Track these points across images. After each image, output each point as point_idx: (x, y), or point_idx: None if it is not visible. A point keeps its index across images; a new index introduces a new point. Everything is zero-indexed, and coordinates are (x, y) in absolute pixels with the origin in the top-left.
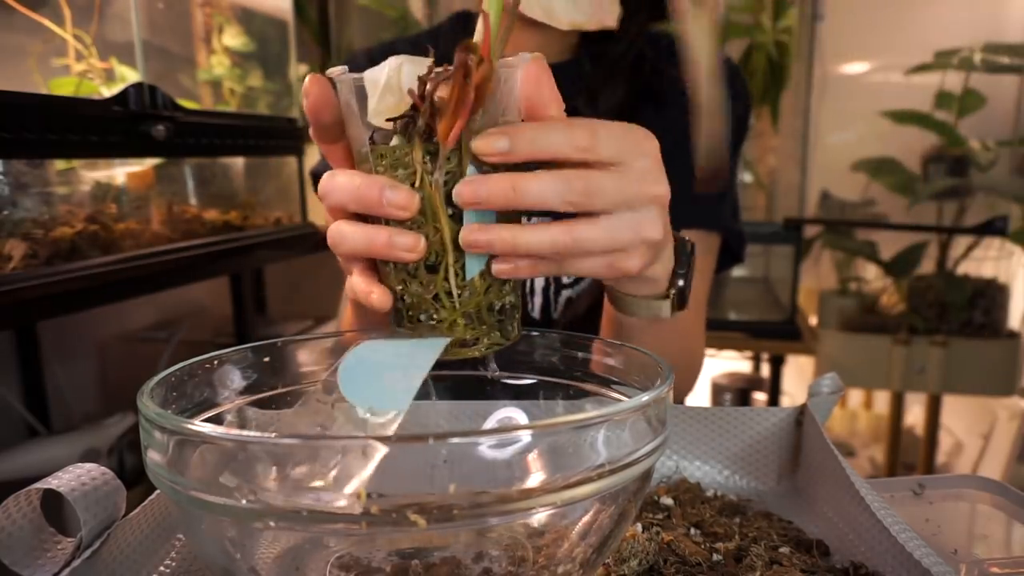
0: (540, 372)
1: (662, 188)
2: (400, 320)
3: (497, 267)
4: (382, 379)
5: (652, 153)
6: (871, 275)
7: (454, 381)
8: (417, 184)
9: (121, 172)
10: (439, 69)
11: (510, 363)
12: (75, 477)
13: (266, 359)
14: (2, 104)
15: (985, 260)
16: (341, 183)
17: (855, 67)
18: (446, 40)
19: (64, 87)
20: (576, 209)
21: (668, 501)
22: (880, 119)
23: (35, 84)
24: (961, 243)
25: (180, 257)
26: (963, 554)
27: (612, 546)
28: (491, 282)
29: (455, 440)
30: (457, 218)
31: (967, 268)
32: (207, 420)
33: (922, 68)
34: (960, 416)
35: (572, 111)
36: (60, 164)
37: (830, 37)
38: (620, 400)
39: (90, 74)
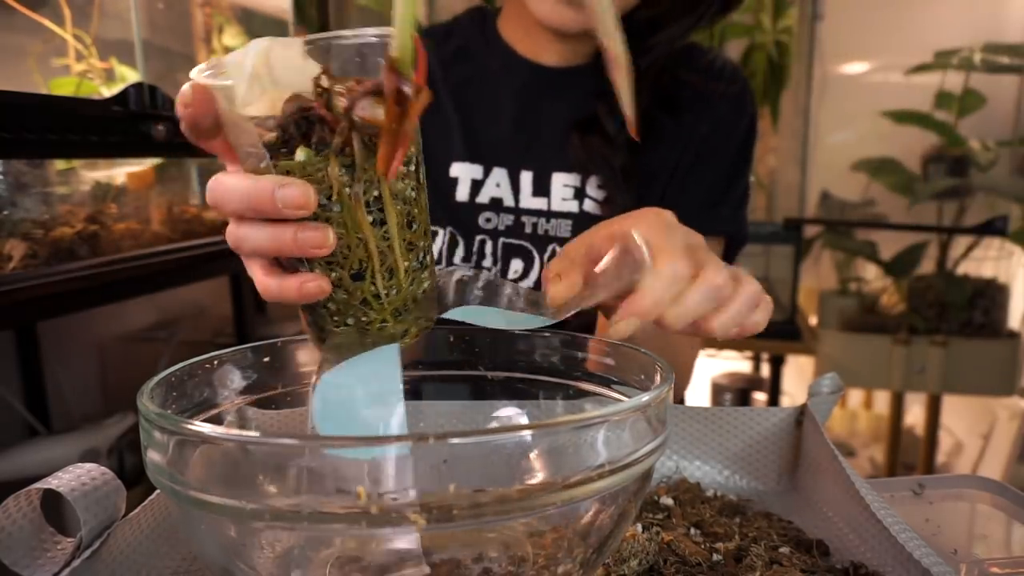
0: (540, 372)
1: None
2: (324, 325)
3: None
4: (361, 416)
5: (678, 256)
6: (871, 275)
7: (454, 381)
8: (334, 198)
9: (121, 172)
10: (350, 83)
11: (510, 363)
12: (75, 477)
13: (266, 359)
14: (2, 104)
15: (985, 260)
16: (230, 188)
17: (855, 67)
18: (462, 31)
19: (64, 87)
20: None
21: (668, 501)
22: (880, 119)
23: (35, 84)
24: (961, 243)
25: (180, 257)
26: (963, 554)
27: (612, 546)
28: (414, 274)
29: (455, 440)
30: (378, 223)
31: (967, 268)
32: (207, 420)
33: (922, 68)
34: (960, 416)
35: (591, 117)
36: (60, 164)
37: (830, 37)
38: (620, 400)
39: (90, 74)
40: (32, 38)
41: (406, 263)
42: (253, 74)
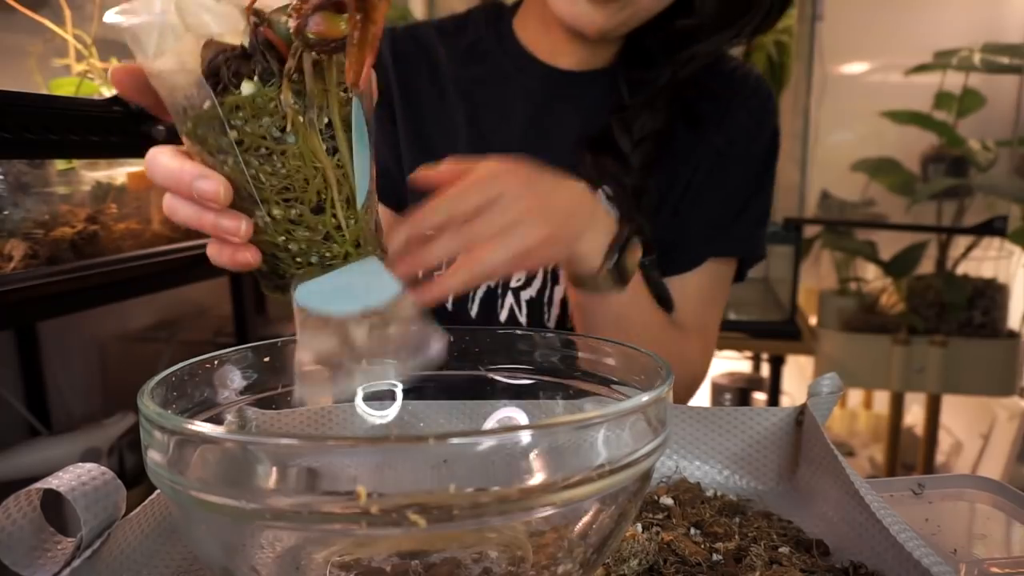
0: (540, 372)
1: (512, 185)
2: (286, 270)
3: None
4: (352, 289)
5: (509, 189)
6: (871, 275)
7: (454, 381)
8: (289, 128)
9: (121, 172)
10: (292, 4)
11: (510, 363)
12: (75, 477)
13: (266, 359)
14: (2, 104)
15: (984, 260)
16: (160, 165)
17: (855, 67)
18: (476, 27)
19: (64, 87)
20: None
21: (668, 501)
22: (880, 119)
23: (36, 84)
24: (960, 243)
25: (180, 257)
26: (962, 554)
27: (612, 546)
28: (368, 204)
29: (455, 440)
30: (331, 151)
31: (966, 268)
32: (207, 420)
33: (922, 68)
34: (959, 416)
35: (604, 128)
36: (60, 164)
37: (830, 37)
38: (620, 400)
39: (90, 74)
40: (32, 38)
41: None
42: (163, 21)
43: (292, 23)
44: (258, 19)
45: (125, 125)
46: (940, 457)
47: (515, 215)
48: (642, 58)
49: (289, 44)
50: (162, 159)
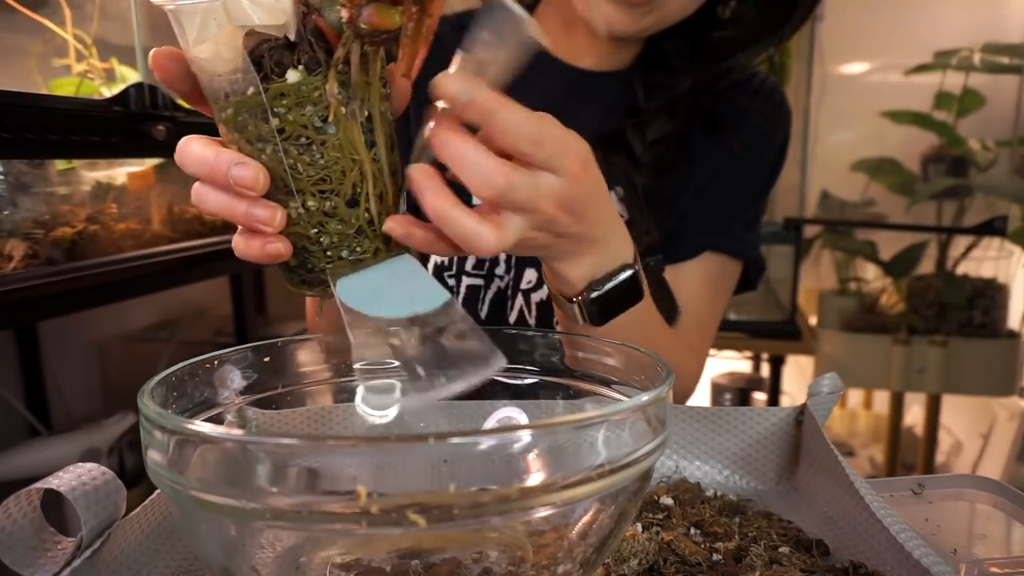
0: (540, 372)
1: (550, 209)
2: (316, 264)
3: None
4: (396, 290)
5: (564, 174)
6: (871, 275)
7: None
8: (331, 118)
9: (121, 172)
10: None
11: (510, 363)
12: (75, 477)
13: (266, 359)
14: (2, 104)
15: (984, 260)
16: (194, 154)
17: (855, 67)
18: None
19: (65, 87)
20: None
21: (668, 501)
22: (880, 119)
23: (36, 84)
24: (960, 243)
25: (180, 257)
26: (962, 554)
27: (612, 546)
28: (400, 198)
29: (455, 440)
30: (369, 145)
31: (966, 268)
32: (207, 420)
33: (921, 68)
34: (959, 416)
35: (617, 132)
36: (60, 164)
37: (830, 37)
38: (620, 400)
39: (90, 74)
40: (32, 38)
41: (393, 187)
42: (208, 9)
43: (345, 13)
44: (308, 8)
45: (125, 125)
46: (940, 457)
47: (546, 201)
48: (661, 62)
49: (339, 34)
50: (195, 147)
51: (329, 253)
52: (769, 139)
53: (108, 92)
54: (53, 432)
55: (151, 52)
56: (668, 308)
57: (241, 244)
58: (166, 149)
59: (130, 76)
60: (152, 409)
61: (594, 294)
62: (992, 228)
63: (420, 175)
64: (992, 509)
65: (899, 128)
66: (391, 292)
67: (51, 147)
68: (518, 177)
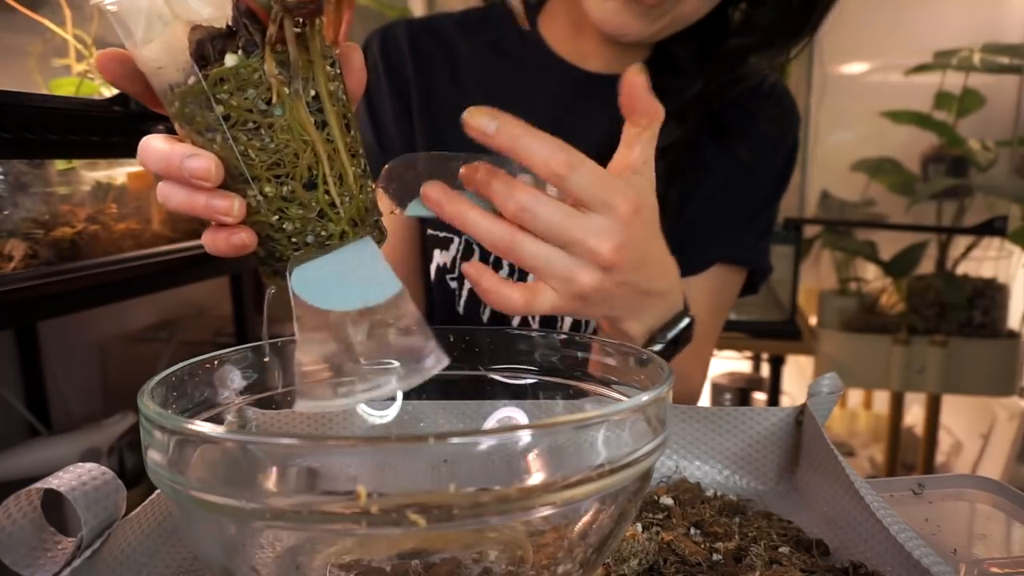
0: (540, 372)
1: (606, 246)
2: (283, 252)
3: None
4: (350, 279)
5: (619, 209)
6: (871, 275)
7: (454, 381)
8: (275, 100)
9: (121, 172)
10: None
11: (510, 363)
12: (75, 477)
13: (266, 359)
14: (2, 104)
15: (984, 260)
16: (152, 150)
17: (855, 67)
18: (499, 23)
19: (65, 87)
20: (516, 220)
21: (668, 501)
22: (880, 119)
23: (36, 84)
24: (960, 243)
25: (180, 257)
26: (962, 554)
27: (612, 546)
28: (361, 181)
29: (455, 440)
30: (320, 125)
31: (966, 268)
32: (207, 420)
33: (921, 68)
34: (960, 416)
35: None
36: (60, 164)
37: (830, 37)
38: (620, 400)
39: (90, 74)
40: (32, 38)
41: (353, 168)
42: (151, 10)
43: None
44: None
45: (125, 125)
46: (940, 457)
47: (582, 272)
48: (671, 66)
49: (269, 11)
50: (153, 143)
51: (294, 240)
52: (778, 145)
53: (108, 92)
54: (53, 432)
55: (95, 55)
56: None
57: (209, 239)
58: None
59: None
60: (152, 409)
61: (656, 347)
62: (992, 228)
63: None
64: (992, 509)
65: (899, 128)
66: (345, 281)
67: (51, 147)
68: (572, 220)
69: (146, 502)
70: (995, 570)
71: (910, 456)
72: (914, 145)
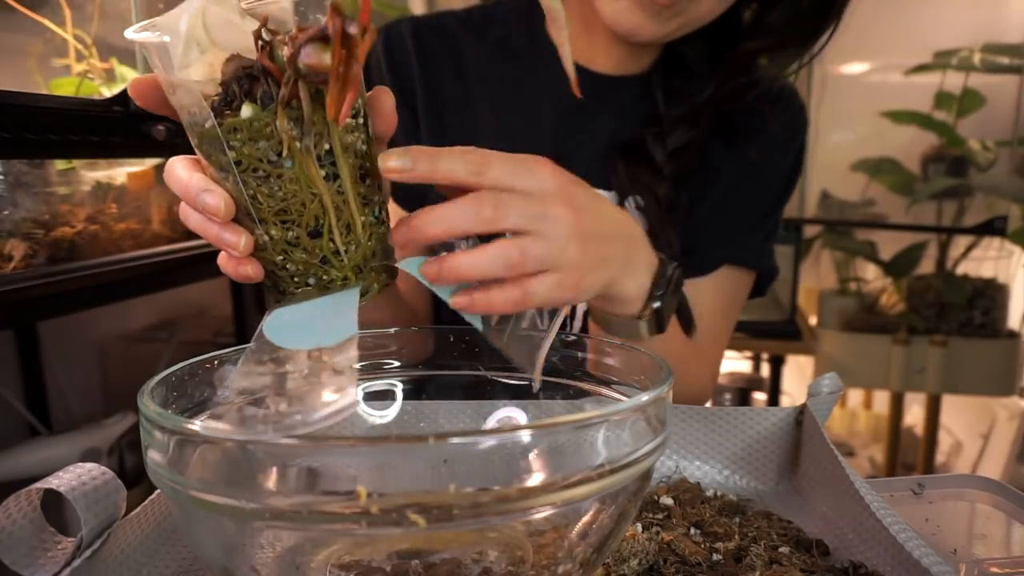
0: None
1: (561, 208)
2: (285, 288)
3: (456, 301)
4: (316, 324)
5: (543, 169)
6: (871, 275)
7: (454, 381)
8: (285, 153)
9: (121, 172)
10: (292, 30)
11: (510, 363)
12: (75, 477)
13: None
14: (2, 104)
15: (984, 260)
16: (174, 175)
17: (855, 67)
18: (505, 21)
19: (65, 87)
20: (491, 226)
21: (668, 501)
22: (880, 119)
23: (36, 84)
24: (960, 243)
25: (180, 257)
26: (962, 554)
27: (612, 546)
28: (372, 229)
29: (455, 440)
30: (331, 177)
31: (966, 268)
32: (207, 420)
33: (922, 68)
34: (960, 416)
35: (638, 141)
36: (60, 164)
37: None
38: (620, 400)
39: (90, 74)
40: (32, 38)
41: (363, 218)
42: (189, 35)
43: (286, 51)
44: (262, 43)
45: (125, 125)
46: (940, 457)
47: (562, 243)
48: (682, 67)
49: (284, 72)
50: (176, 168)
51: (297, 280)
52: (787, 147)
53: (108, 92)
54: (53, 432)
55: (129, 82)
56: (686, 320)
57: (223, 262)
58: (166, 149)
59: (130, 76)
60: (152, 409)
61: (656, 304)
62: (992, 228)
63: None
64: (992, 509)
65: (899, 128)
66: (314, 326)
67: (51, 147)
68: (524, 240)
69: (146, 502)
70: (995, 570)
71: (910, 456)
72: (914, 145)
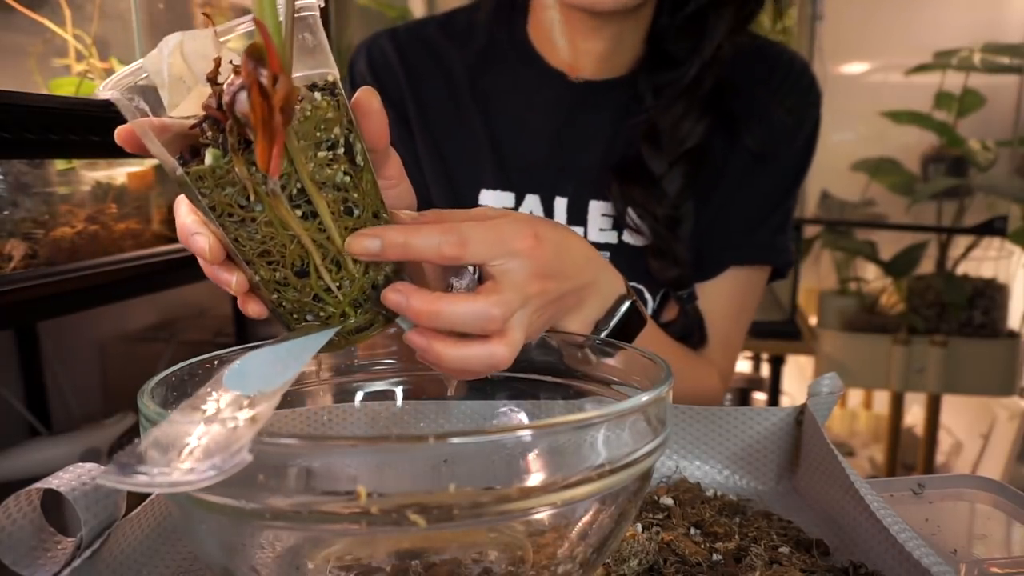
0: (540, 372)
1: (533, 288)
2: (288, 323)
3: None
4: (264, 373)
5: (522, 254)
6: (871, 275)
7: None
8: (252, 198)
9: (121, 172)
10: (230, 70)
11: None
12: (75, 477)
13: None
14: (2, 104)
15: (984, 260)
16: (176, 217)
17: (855, 67)
18: (487, 27)
19: (64, 87)
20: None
21: (668, 501)
22: (880, 119)
23: (35, 84)
24: (960, 243)
25: (180, 257)
26: (962, 554)
27: (612, 546)
28: (367, 262)
29: (455, 440)
30: (309, 215)
31: (966, 268)
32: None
33: (922, 68)
34: (960, 416)
35: (633, 160)
36: (60, 164)
37: (830, 37)
38: (620, 400)
39: (90, 74)
40: (32, 38)
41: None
42: (172, 74)
43: (226, 97)
44: (213, 87)
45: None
46: (940, 457)
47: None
48: (666, 60)
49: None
50: (179, 208)
51: (295, 316)
52: (795, 133)
53: None
54: (53, 432)
55: (116, 132)
56: (698, 338)
57: (240, 301)
58: None
59: None
60: (152, 409)
61: (602, 335)
62: (992, 228)
63: (419, 343)
64: (992, 509)
65: (899, 128)
66: (270, 370)
67: (51, 147)
68: (500, 297)
69: (146, 502)
70: (995, 570)
71: (910, 456)
72: (914, 145)
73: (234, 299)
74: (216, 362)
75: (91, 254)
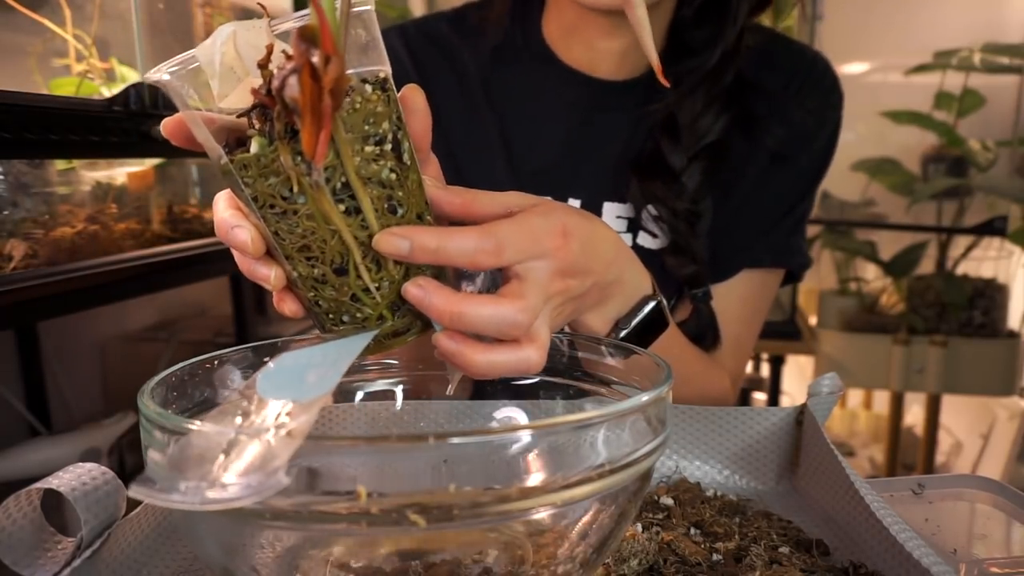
0: (540, 372)
1: (555, 286)
2: (323, 325)
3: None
4: (301, 379)
5: (549, 253)
6: (871, 275)
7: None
8: (296, 189)
9: (121, 172)
10: (283, 56)
11: None
12: (75, 477)
13: (266, 359)
14: (2, 104)
15: (984, 260)
16: (215, 211)
17: (855, 67)
18: (500, 23)
19: (64, 87)
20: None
21: (668, 501)
22: (880, 119)
23: (35, 84)
24: (960, 243)
25: (180, 257)
26: (962, 554)
27: (612, 546)
28: (407, 264)
29: (455, 440)
30: (352, 211)
31: (966, 268)
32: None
33: (922, 68)
34: (960, 416)
35: (652, 154)
36: (60, 164)
37: (830, 37)
38: (620, 400)
39: (90, 74)
40: (32, 38)
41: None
42: (223, 64)
43: (275, 83)
44: (263, 74)
45: (125, 125)
46: (940, 457)
47: (544, 318)
48: (688, 50)
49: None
50: (218, 204)
51: (331, 316)
52: (815, 135)
53: (108, 92)
54: (53, 432)
55: (162, 123)
56: (712, 340)
57: (275, 299)
58: (166, 149)
59: (130, 76)
60: (152, 409)
61: (622, 333)
62: (992, 228)
63: (447, 348)
64: (992, 509)
65: (899, 128)
66: (307, 376)
67: (51, 147)
68: (525, 302)
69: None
70: (995, 570)
71: (910, 456)
72: (914, 145)
73: (234, 299)
74: (216, 362)
75: (91, 254)
